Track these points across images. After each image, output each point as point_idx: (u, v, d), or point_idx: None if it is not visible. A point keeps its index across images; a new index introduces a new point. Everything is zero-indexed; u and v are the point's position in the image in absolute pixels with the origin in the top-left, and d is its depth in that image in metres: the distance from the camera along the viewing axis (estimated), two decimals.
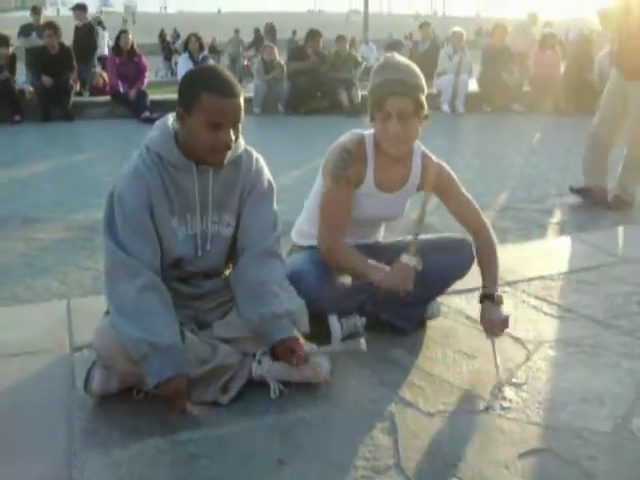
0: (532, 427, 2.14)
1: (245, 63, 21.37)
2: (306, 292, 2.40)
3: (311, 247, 2.67)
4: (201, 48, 9.64)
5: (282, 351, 2.20)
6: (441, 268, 2.65)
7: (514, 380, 2.41)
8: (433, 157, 2.67)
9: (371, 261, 2.49)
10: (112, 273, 2.17)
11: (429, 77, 12.07)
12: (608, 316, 2.91)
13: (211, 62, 9.76)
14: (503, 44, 11.00)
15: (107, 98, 9.62)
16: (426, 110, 2.45)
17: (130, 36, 9.60)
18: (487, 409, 2.24)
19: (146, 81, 9.73)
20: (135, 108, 9.18)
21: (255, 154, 2.37)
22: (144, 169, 2.17)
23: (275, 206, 2.40)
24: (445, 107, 10.88)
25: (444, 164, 2.68)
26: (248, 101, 9.90)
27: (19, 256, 4.13)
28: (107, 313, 2.23)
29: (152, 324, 2.08)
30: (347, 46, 11.22)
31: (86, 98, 9.97)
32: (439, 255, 2.63)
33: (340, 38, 11.11)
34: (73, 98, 9.26)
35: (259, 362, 2.31)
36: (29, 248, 4.27)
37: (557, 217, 5.19)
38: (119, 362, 2.14)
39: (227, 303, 2.41)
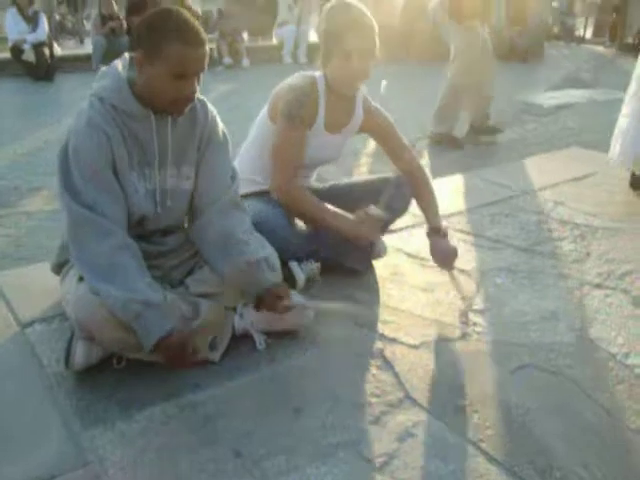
0: (510, 347, 2.31)
1: (58, 19, 20.00)
2: (271, 241, 2.38)
3: (256, 193, 2.65)
4: (30, 1, 8.89)
5: (269, 300, 2.17)
6: (383, 207, 2.73)
7: (475, 307, 2.57)
8: (371, 100, 2.74)
9: (332, 208, 2.52)
10: (78, 234, 2.00)
11: (269, 28, 12.06)
12: (530, 243, 3.17)
13: (43, 17, 9.06)
14: None
15: None
16: (377, 51, 2.51)
17: None
18: (464, 335, 2.38)
19: None
20: None
21: (208, 104, 2.28)
22: (100, 120, 1.99)
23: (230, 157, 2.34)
24: (287, 58, 10.91)
25: (380, 107, 2.76)
26: (88, 58, 9.49)
27: None
28: (80, 279, 2.07)
29: (135, 284, 1.95)
30: None
31: None
32: (379, 195, 2.70)
33: None
34: None
35: (241, 315, 2.28)
36: None
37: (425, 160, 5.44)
38: (107, 330, 1.98)
39: (192, 258, 2.32)
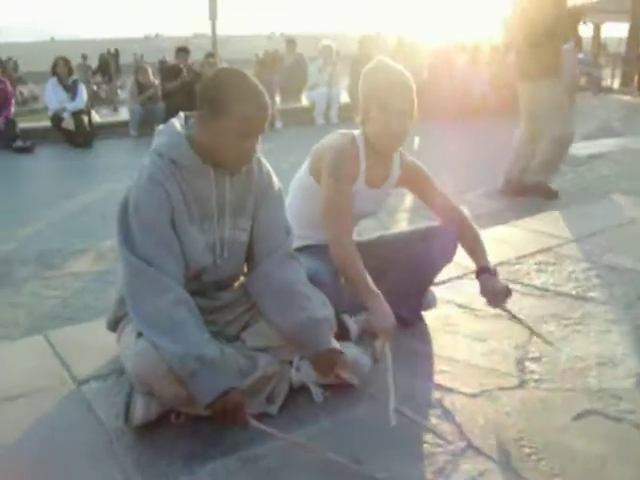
0: (569, 394, 2.28)
1: (94, 89, 20.72)
2: (324, 293, 2.40)
3: (304, 248, 2.68)
4: (70, 71, 9.21)
5: (323, 363, 2.17)
6: (430, 255, 2.75)
7: (530, 355, 2.54)
8: (407, 154, 2.79)
9: (369, 280, 2.46)
10: (136, 288, 2.03)
11: (298, 91, 12.34)
12: (580, 291, 3.14)
13: (82, 86, 9.38)
14: (369, 55, 11.41)
15: None
16: (416, 111, 2.56)
17: None
18: (522, 383, 2.35)
19: (13, 108, 9.18)
20: (4, 138, 8.62)
21: (262, 158, 2.34)
22: (160, 176, 2.05)
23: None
24: (319, 119, 11.11)
25: (416, 160, 2.80)
26: (125, 125, 9.76)
27: None
28: (139, 335, 2.10)
29: (192, 339, 1.97)
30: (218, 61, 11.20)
31: None
32: (426, 243, 2.74)
33: (209, 55, 11.08)
34: None
35: (297, 369, 2.28)
36: None
37: (468, 211, 5.45)
38: (166, 385, 1.99)
39: (246, 313, 2.33)
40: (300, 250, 2.67)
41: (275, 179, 2.33)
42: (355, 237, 2.93)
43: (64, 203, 5.87)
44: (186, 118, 2.19)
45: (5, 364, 2.56)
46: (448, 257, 2.82)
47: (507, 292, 2.61)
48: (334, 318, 2.27)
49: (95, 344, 2.59)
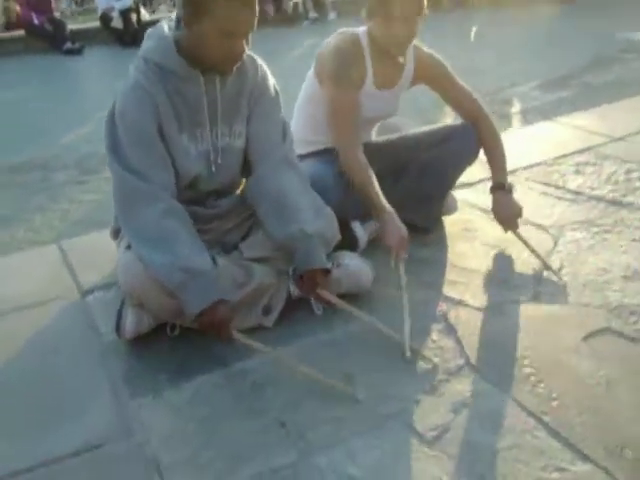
0: (585, 309, 2.13)
1: None
2: (329, 198, 2.27)
3: (313, 153, 2.55)
4: None
5: (305, 282, 2.04)
6: (451, 157, 2.58)
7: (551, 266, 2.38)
8: (424, 47, 2.55)
9: (380, 194, 2.33)
10: (126, 201, 1.96)
11: None
12: (617, 195, 2.91)
13: None
14: None
15: (21, 32, 8.90)
16: (426, 9, 2.31)
17: None
18: (536, 297, 2.21)
19: (54, 6, 9.07)
20: (53, 40, 8.57)
21: (258, 59, 2.18)
22: (146, 82, 1.93)
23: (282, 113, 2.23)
24: None
25: (435, 53, 2.57)
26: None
27: None
28: (128, 247, 2.04)
29: (182, 250, 1.89)
30: None
31: None
32: (446, 145, 2.57)
33: None
34: None
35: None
36: None
37: (517, 106, 5.16)
38: (153, 297, 1.96)
39: (247, 221, 2.25)
40: (312, 155, 2.55)
41: (272, 81, 2.18)
42: (373, 138, 2.78)
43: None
44: (178, 20, 2.04)
45: (17, 273, 2.58)
46: (469, 159, 2.64)
47: (519, 213, 2.43)
48: (331, 229, 2.14)
49: (106, 253, 2.55)
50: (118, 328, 2.07)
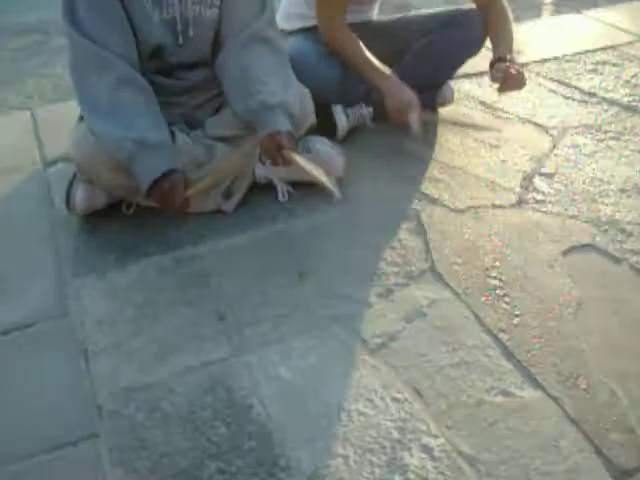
0: (571, 221, 1.95)
1: None
2: (309, 78, 2.08)
3: (303, 30, 2.32)
4: None
5: (269, 147, 1.85)
6: (451, 45, 2.34)
7: (543, 170, 2.19)
8: None
9: (375, 61, 2.15)
10: (79, 67, 1.80)
11: None
12: (632, 99, 2.65)
13: None
14: None
15: None
16: None
17: None
18: (520, 203, 2.03)
19: None
20: None
21: None
22: None
23: None
24: None
25: None
26: None
27: None
28: (82, 119, 1.88)
29: (134, 121, 1.74)
30: None
31: None
32: (447, 31, 2.34)
33: None
34: None
35: (264, 162, 2.02)
36: None
37: None
38: (103, 172, 1.83)
39: (218, 97, 2.07)
40: (300, 32, 2.33)
41: None
42: (374, 17, 2.53)
43: None
44: None
45: None
46: (471, 49, 2.40)
47: (523, 80, 2.18)
48: (299, 105, 1.96)
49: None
50: (68, 203, 1.95)
